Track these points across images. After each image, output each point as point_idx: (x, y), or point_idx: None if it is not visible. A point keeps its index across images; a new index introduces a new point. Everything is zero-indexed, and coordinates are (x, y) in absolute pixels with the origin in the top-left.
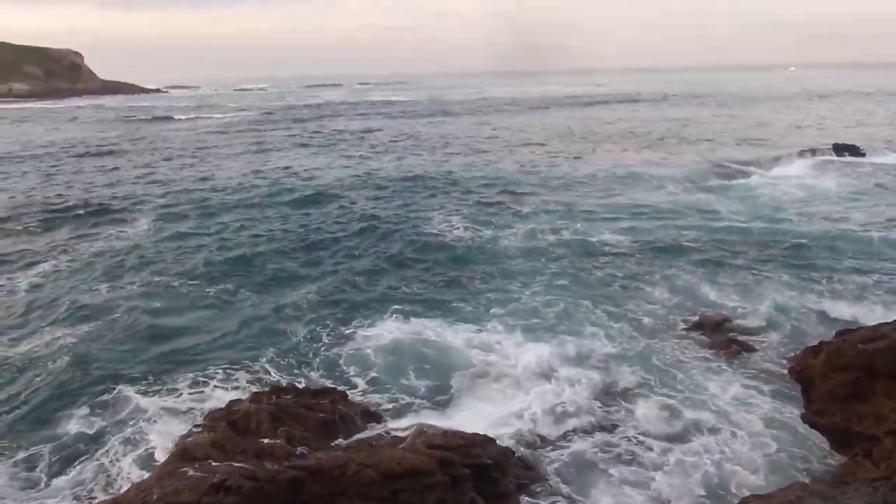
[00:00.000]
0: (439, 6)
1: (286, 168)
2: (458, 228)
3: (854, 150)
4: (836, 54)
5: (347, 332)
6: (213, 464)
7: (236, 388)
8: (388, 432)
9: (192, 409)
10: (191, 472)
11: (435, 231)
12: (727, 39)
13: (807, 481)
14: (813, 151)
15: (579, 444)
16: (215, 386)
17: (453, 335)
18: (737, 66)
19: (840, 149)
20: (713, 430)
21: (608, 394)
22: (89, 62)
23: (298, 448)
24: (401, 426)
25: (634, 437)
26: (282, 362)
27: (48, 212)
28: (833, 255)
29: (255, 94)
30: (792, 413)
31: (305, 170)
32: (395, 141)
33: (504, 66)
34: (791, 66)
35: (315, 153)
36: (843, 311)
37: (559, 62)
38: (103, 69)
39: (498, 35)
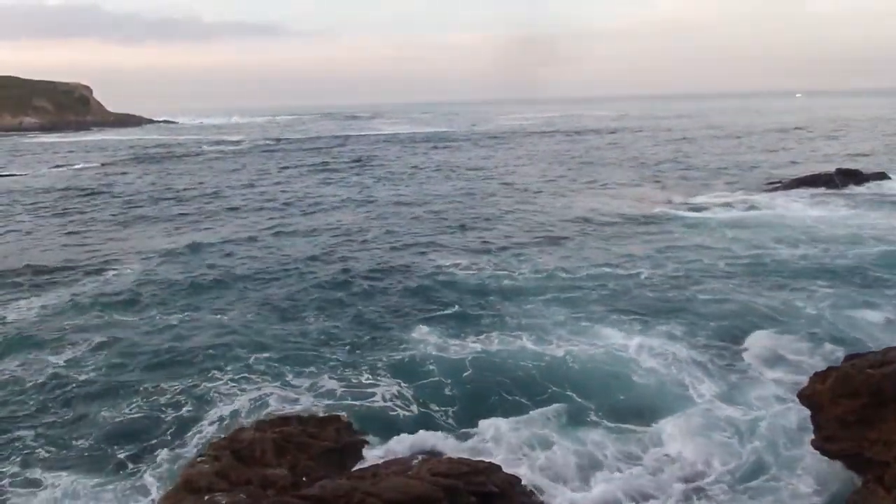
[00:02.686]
0: (442, 39)
1: (291, 198)
2: (477, 263)
3: (858, 176)
4: (846, 80)
5: (383, 348)
6: (218, 494)
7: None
8: (392, 460)
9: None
10: (196, 503)
11: (453, 264)
12: (732, 64)
13: None
14: (815, 178)
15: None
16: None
17: (489, 353)
18: (741, 93)
19: (844, 174)
20: (729, 457)
21: (630, 419)
22: (98, 95)
23: (303, 477)
24: (406, 453)
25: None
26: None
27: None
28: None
29: (252, 126)
30: (804, 437)
31: (311, 200)
32: (402, 171)
33: (503, 95)
34: (797, 92)
35: (322, 185)
36: None
37: (559, 90)
38: (111, 101)
39: (497, 65)
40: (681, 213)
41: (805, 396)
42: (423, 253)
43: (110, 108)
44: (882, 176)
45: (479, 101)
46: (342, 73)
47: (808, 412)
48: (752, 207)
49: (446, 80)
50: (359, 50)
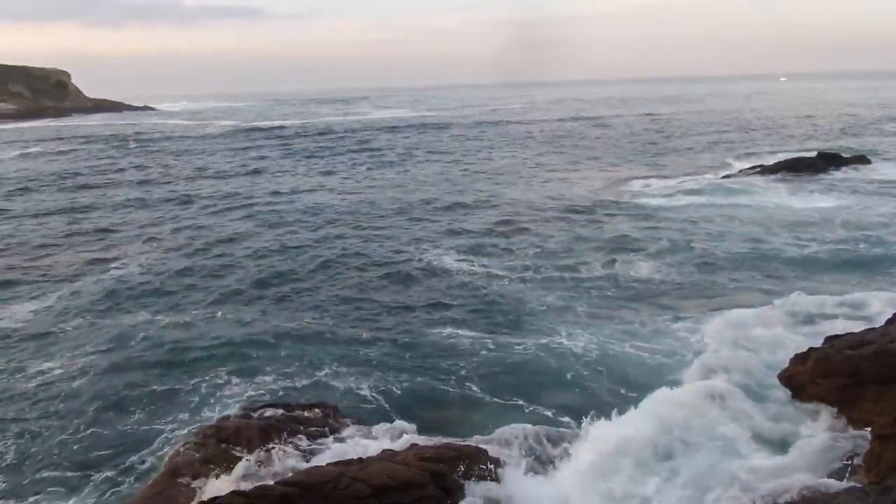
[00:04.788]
0: (426, 22)
1: (275, 188)
2: (471, 254)
3: (838, 160)
4: (831, 63)
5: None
6: (204, 480)
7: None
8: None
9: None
10: (181, 490)
11: (448, 254)
12: (719, 48)
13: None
14: (796, 162)
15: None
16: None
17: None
18: (729, 77)
19: (825, 158)
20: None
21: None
22: (76, 80)
23: (289, 463)
24: (393, 440)
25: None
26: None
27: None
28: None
29: (236, 111)
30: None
31: (295, 190)
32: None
33: (489, 79)
34: (782, 76)
35: (306, 175)
36: None
37: (546, 74)
38: (90, 87)
39: (482, 49)
40: (666, 200)
41: (786, 377)
42: (418, 244)
43: (90, 94)
44: (862, 159)
45: (467, 86)
46: (327, 57)
47: None
48: (735, 192)
49: (434, 63)
50: (344, 33)
